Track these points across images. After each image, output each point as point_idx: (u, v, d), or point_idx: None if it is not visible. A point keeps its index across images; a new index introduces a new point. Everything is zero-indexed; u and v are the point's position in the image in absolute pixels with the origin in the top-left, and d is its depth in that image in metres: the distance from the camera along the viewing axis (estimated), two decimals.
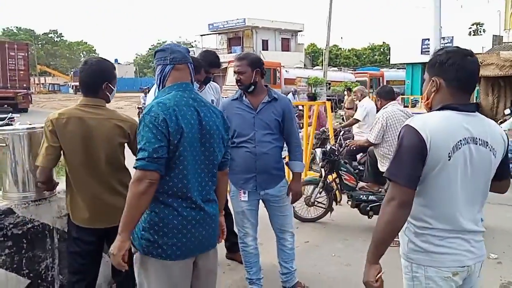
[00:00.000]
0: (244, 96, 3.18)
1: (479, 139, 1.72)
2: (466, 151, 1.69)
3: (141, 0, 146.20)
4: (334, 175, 5.05)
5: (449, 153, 1.67)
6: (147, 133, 1.86)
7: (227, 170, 2.26)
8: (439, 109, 1.74)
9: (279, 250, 3.46)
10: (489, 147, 1.74)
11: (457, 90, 1.74)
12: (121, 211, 2.35)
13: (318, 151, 5.06)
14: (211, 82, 3.93)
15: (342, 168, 4.76)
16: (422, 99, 1.99)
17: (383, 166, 4.56)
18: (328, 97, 19.60)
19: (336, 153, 4.41)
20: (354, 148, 5.23)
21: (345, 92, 18.02)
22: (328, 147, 5.11)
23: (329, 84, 23.14)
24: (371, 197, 4.83)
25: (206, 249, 2.09)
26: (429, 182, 1.71)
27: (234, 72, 3.15)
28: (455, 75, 1.72)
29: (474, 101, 17.18)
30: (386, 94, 4.72)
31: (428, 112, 1.82)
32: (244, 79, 3.11)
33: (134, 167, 1.87)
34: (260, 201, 3.32)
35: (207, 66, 3.53)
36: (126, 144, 2.53)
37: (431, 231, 1.75)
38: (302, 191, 3.35)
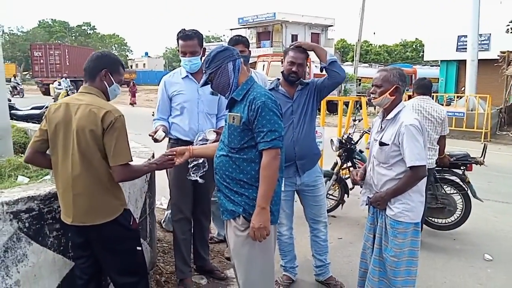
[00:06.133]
0: (279, 85, 3.16)
1: None
2: None
3: None
4: (349, 163, 4.98)
5: None
6: (274, 117, 2.13)
7: None
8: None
9: (312, 242, 3.45)
10: None
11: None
12: (85, 210, 2.23)
13: (335, 139, 4.95)
14: (257, 73, 3.87)
15: (357, 156, 4.65)
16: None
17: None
18: (358, 94, 19.32)
19: (352, 141, 4.17)
20: None
21: None
22: (345, 136, 5.02)
23: (359, 80, 22.80)
24: None
25: None
26: None
27: (293, 62, 3.05)
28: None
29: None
30: (416, 88, 4.32)
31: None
32: (301, 72, 3.08)
33: (266, 147, 2.11)
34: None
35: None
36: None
37: None
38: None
